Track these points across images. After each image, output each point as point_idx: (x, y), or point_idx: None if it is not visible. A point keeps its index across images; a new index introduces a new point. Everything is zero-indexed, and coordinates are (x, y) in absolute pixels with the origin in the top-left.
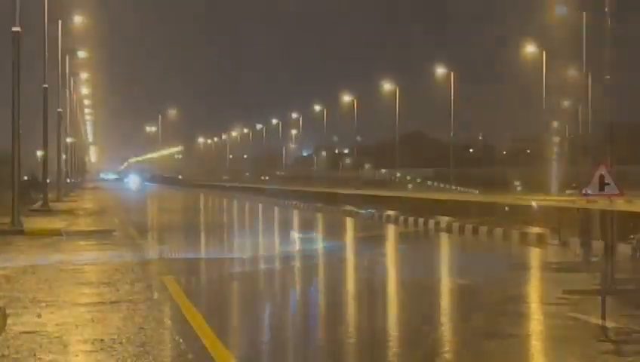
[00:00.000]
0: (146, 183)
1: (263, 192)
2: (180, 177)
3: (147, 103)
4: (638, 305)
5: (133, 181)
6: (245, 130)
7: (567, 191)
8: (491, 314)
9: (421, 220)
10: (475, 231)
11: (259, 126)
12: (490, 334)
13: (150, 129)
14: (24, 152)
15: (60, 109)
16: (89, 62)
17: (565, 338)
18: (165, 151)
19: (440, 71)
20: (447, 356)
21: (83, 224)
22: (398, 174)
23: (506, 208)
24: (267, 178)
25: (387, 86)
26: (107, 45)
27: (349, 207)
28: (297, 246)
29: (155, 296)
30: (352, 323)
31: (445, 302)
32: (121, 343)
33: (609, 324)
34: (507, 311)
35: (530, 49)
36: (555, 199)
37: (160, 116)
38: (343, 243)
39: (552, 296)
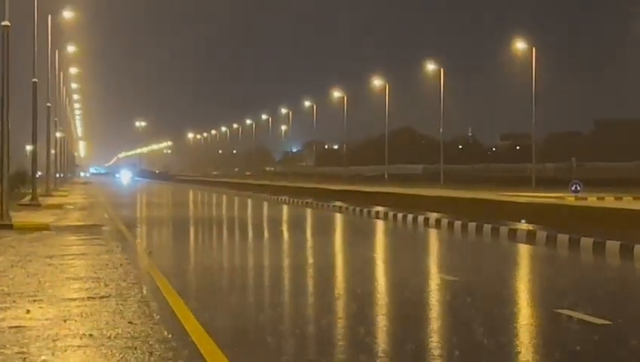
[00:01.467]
0: (136, 178)
1: (251, 188)
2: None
3: (137, 98)
4: None
5: (124, 176)
6: (235, 126)
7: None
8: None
9: (410, 216)
10: (464, 227)
11: (248, 121)
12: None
13: (140, 124)
14: (13, 147)
15: (49, 104)
16: (79, 57)
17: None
18: (155, 146)
19: (430, 67)
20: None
21: (72, 219)
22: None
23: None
24: (250, 173)
25: (377, 83)
26: (97, 40)
27: (338, 203)
28: (287, 241)
29: (145, 291)
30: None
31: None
32: (109, 338)
33: None
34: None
35: (520, 45)
36: (541, 196)
37: (149, 111)
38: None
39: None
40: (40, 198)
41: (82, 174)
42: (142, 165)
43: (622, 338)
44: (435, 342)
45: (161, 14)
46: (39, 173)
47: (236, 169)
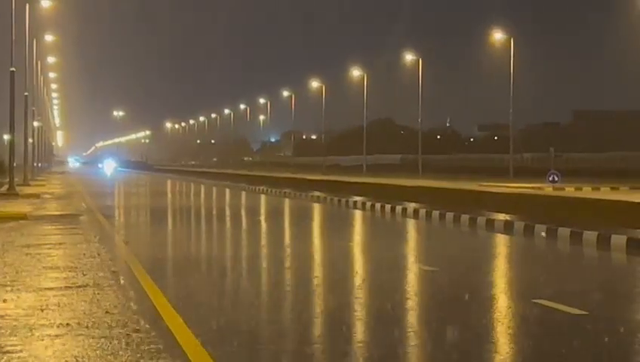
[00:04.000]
0: (119, 168)
1: (230, 178)
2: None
3: (115, 88)
4: None
5: (108, 166)
6: (213, 115)
7: None
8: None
9: (388, 206)
10: (442, 217)
11: (227, 111)
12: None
13: (118, 113)
14: None
15: (26, 93)
16: (56, 46)
17: None
18: (133, 136)
19: (409, 58)
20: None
21: (50, 208)
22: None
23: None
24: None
25: (356, 73)
26: (75, 30)
27: (316, 193)
28: (265, 231)
29: (122, 280)
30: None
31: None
32: (87, 327)
33: None
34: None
35: (498, 36)
36: (519, 186)
37: (128, 101)
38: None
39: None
40: (18, 188)
41: (70, 165)
42: (123, 155)
43: (598, 329)
44: (413, 331)
45: (139, 3)
46: (16, 163)
47: (214, 159)
